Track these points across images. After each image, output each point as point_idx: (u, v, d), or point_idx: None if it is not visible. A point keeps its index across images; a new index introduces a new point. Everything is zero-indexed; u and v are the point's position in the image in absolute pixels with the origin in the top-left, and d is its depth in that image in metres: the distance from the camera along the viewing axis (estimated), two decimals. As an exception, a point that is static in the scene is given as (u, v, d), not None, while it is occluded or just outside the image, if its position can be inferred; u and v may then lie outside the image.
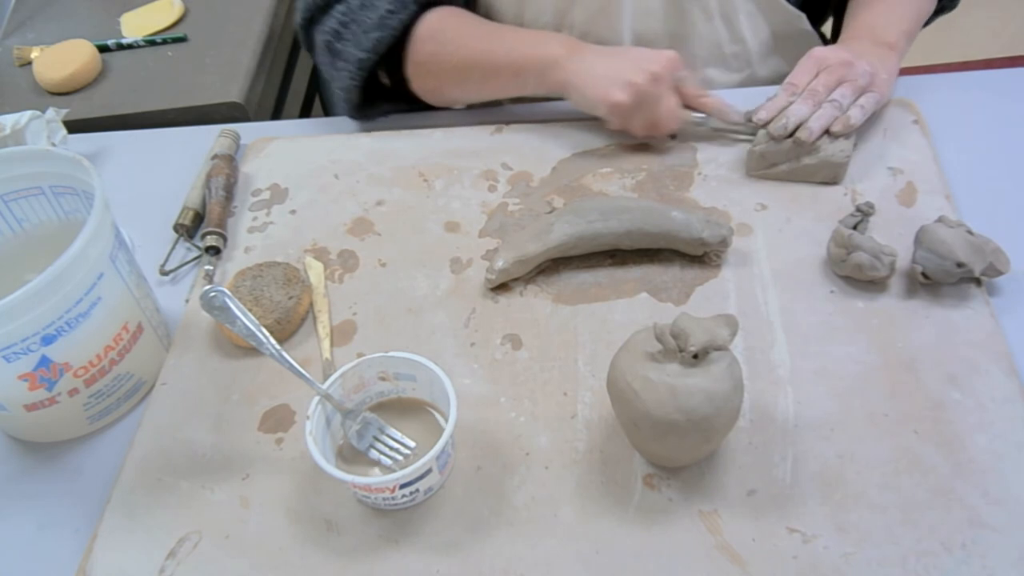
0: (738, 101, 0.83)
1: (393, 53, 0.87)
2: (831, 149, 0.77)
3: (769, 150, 0.78)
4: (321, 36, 0.87)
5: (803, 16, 0.91)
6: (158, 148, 0.98)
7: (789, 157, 0.78)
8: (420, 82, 0.89)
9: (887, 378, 0.65)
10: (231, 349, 0.74)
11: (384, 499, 0.60)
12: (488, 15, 0.93)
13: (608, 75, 0.79)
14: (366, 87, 0.89)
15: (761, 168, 0.80)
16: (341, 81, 0.88)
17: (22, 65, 1.21)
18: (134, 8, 1.28)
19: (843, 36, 0.86)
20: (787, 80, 0.80)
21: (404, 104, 0.93)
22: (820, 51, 0.80)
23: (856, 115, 0.77)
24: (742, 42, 0.91)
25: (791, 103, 0.78)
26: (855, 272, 0.70)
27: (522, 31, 0.87)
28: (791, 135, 0.77)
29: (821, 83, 0.78)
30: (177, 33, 1.23)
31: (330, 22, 0.86)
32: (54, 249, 0.61)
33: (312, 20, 0.89)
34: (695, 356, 0.55)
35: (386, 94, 0.94)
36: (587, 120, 0.88)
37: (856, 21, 0.86)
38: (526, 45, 0.84)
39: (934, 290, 0.70)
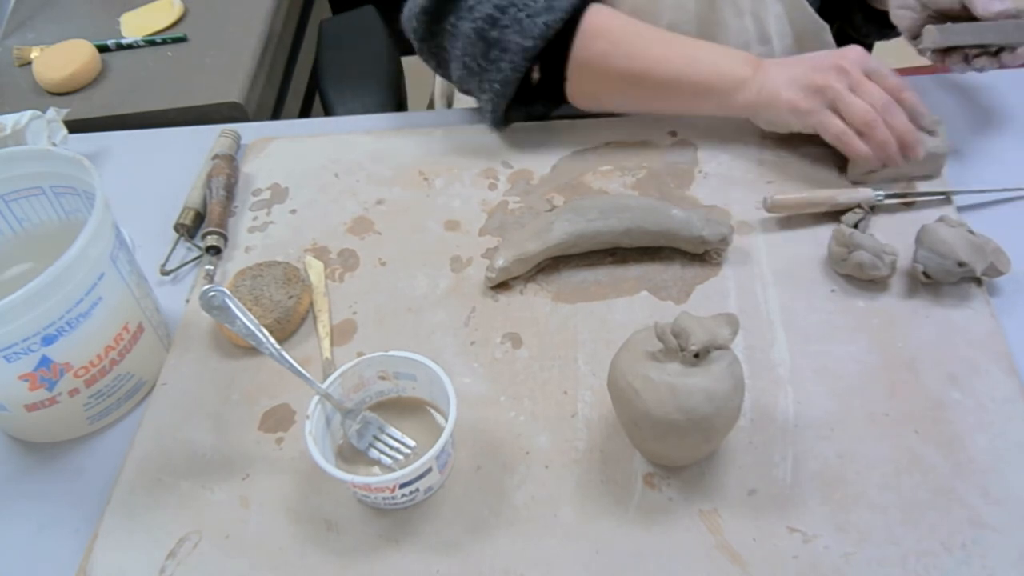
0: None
1: (549, 47, 0.79)
2: (933, 142, 0.76)
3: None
4: (469, 24, 0.78)
5: (827, 27, 0.89)
6: (158, 148, 0.98)
7: None
8: (580, 84, 0.82)
9: (887, 378, 0.65)
10: (231, 349, 0.74)
11: (384, 499, 0.60)
12: None
13: (785, 82, 0.76)
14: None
15: (864, 170, 0.78)
16: (498, 73, 0.79)
17: (22, 65, 1.22)
18: (134, 8, 1.28)
19: None
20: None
21: (541, 107, 0.87)
22: None
23: None
24: (769, 43, 0.89)
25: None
26: (856, 271, 0.70)
27: (702, 44, 0.80)
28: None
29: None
30: (177, 33, 1.23)
31: (483, 7, 0.77)
32: (54, 249, 0.61)
33: (442, 8, 0.80)
34: (696, 355, 0.55)
35: (523, 96, 0.85)
36: (587, 118, 0.88)
37: None
38: (711, 60, 0.78)
39: (934, 290, 0.69)
